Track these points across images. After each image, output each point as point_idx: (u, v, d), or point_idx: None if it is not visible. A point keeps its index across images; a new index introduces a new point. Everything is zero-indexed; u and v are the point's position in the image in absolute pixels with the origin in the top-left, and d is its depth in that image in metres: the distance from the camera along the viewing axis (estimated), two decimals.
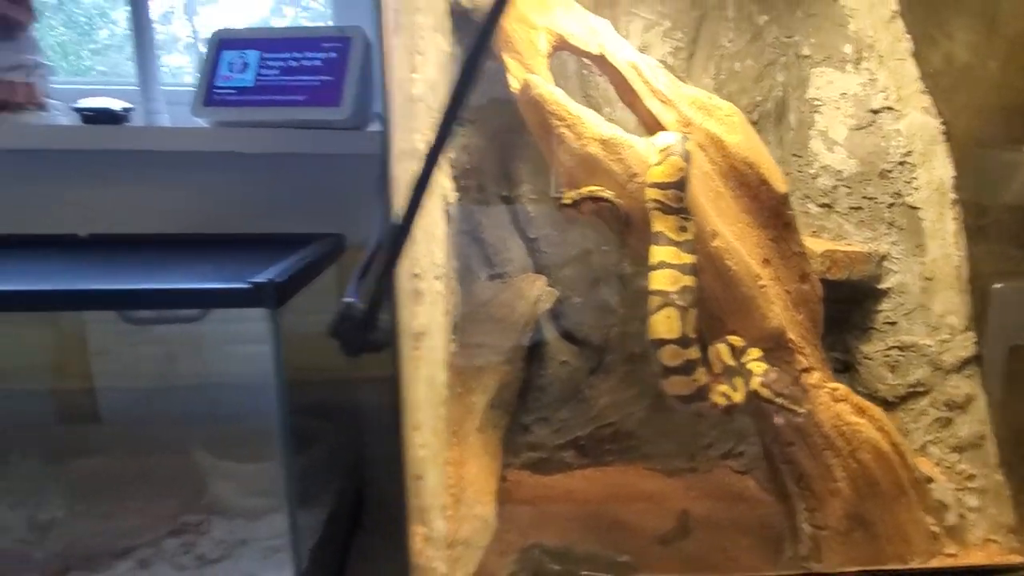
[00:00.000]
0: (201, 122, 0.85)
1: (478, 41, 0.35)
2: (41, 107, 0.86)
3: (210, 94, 0.85)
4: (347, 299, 0.44)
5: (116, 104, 0.83)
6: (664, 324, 0.48)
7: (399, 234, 0.40)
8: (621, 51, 0.63)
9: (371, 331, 0.44)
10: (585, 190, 0.55)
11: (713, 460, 0.90)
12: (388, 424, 0.94)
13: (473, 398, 0.65)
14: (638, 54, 0.63)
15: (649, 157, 0.54)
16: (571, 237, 0.83)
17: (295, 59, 0.85)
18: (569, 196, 0.56)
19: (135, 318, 0.84)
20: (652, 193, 0.52)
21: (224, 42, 0.87)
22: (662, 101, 0.61)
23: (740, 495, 0.85)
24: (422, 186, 0.38)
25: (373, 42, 0.87)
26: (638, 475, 0.89)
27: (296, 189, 0.90)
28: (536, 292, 0.79)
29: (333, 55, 0.84)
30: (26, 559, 0.64)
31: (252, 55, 0.86)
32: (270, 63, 0.86)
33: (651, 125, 0.62)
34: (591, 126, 0.56)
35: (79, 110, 0.83)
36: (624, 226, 0.57)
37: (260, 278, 0.56)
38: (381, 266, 0.42)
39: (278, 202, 0.90)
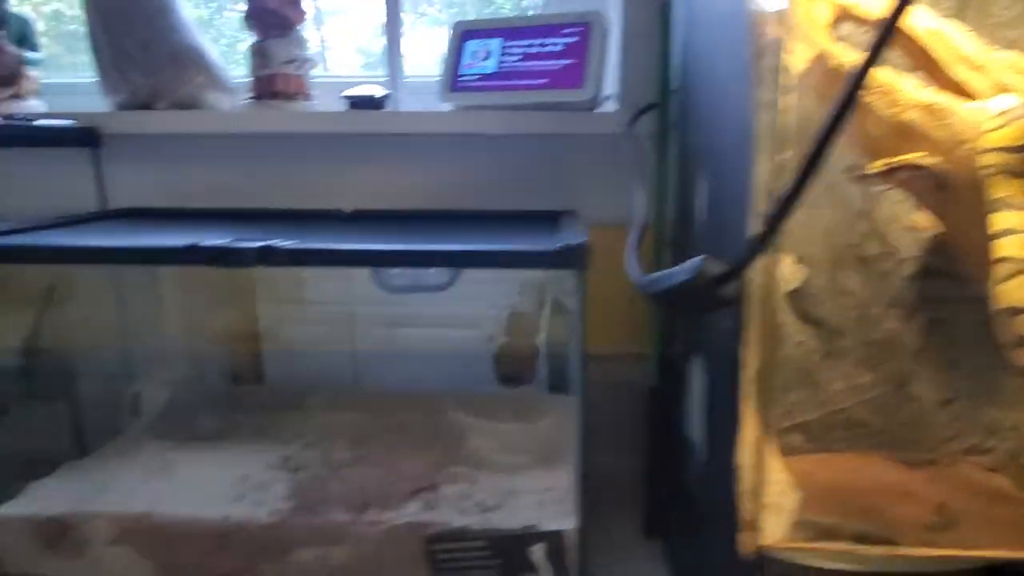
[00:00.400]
0: (447, 107, 0.91)
1: (871, 54, 0.36)
2: (307, 97, 0.96)
3: (455, 81, 0.92)
4: (701, 257, 0.47)
5: (377, 91, 0.92)
6: (1019, 291, 0.46)
7: (777, 214, 0.41)
8: (917, 17, 0.61)
9: (723, 290, 0.46)
10: (905, 158, 0.54)
11: (956, 454, 0.86)
12: (603, 398, 0.97)
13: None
14: (938, 19, 0.61)
15: (984, 122, 0.52)
16: (816, 216, 0.82)
17: (537, 45, 0.89)
18: (880, 165, 0.55)
19: (391, 286, 0.92)
20: (991, 158, 0.50)
21: (466, 33, 0.93)
22: (973, 67, 0.58)
23: (997, 492, 0.80)
24: (803, 180, 0.40)
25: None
26: (874, 463, 0.86)
27: (530, 168, 0.94)
28: (784, 271, 0.78)
29: (575, 39, 0.88)
30: (326, 492, 0.73)
31: (494, 43, 0.92)
32: (512, 50, 0.91)
33: (957, 94, 0.60)
34: (908, 92, 0.55)
35: (347, 98, 0.92)
36: (939, 194, 0.55)
37: (568, 242, 0.59)
38: (757, 236, 0.43)
39: (515, 180, 0.94)
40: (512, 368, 0.94)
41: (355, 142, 0.94)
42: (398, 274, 0.90)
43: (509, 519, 0.67)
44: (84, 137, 0.89)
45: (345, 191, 0.95)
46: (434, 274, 0.90)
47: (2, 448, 0.73)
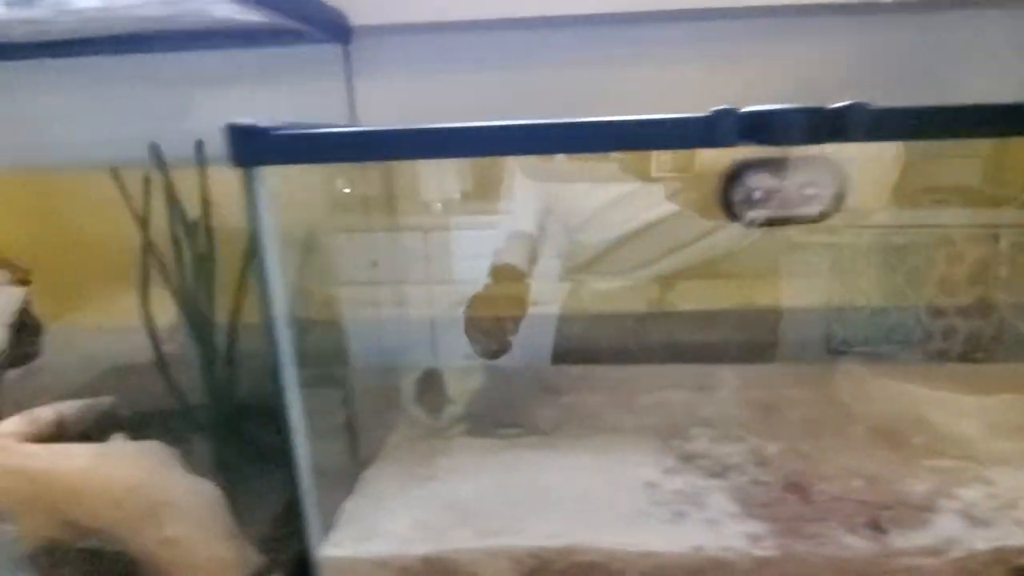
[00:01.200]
0: None
1: None
2: None
3: None
4: None
5: None
6: None
7: None
8: None
9: None
10: None
11: None
12: None
13: None
14: None
15: None
16: None
17: None
18: None
19: (751, 218, 0.69)
20: None
21: None
22: None
23: None
24: None
25: None
26: None
27: (910, 55, 0.70)
28: None
29: None
30: (793, 504, 0.51)
31: None
32: None
33: None
34: None
35: None
36: None
37: None
38: None
39: (885, 71, 0.70)
40: (489, 335, 0.69)
41: (688, 24, 0.69)
42: (758, 199, 0.67)
43: None
44: (332, 26, 0.64)
45: (676, 95, 0.71)
46: (808, 199, 0.67)
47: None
